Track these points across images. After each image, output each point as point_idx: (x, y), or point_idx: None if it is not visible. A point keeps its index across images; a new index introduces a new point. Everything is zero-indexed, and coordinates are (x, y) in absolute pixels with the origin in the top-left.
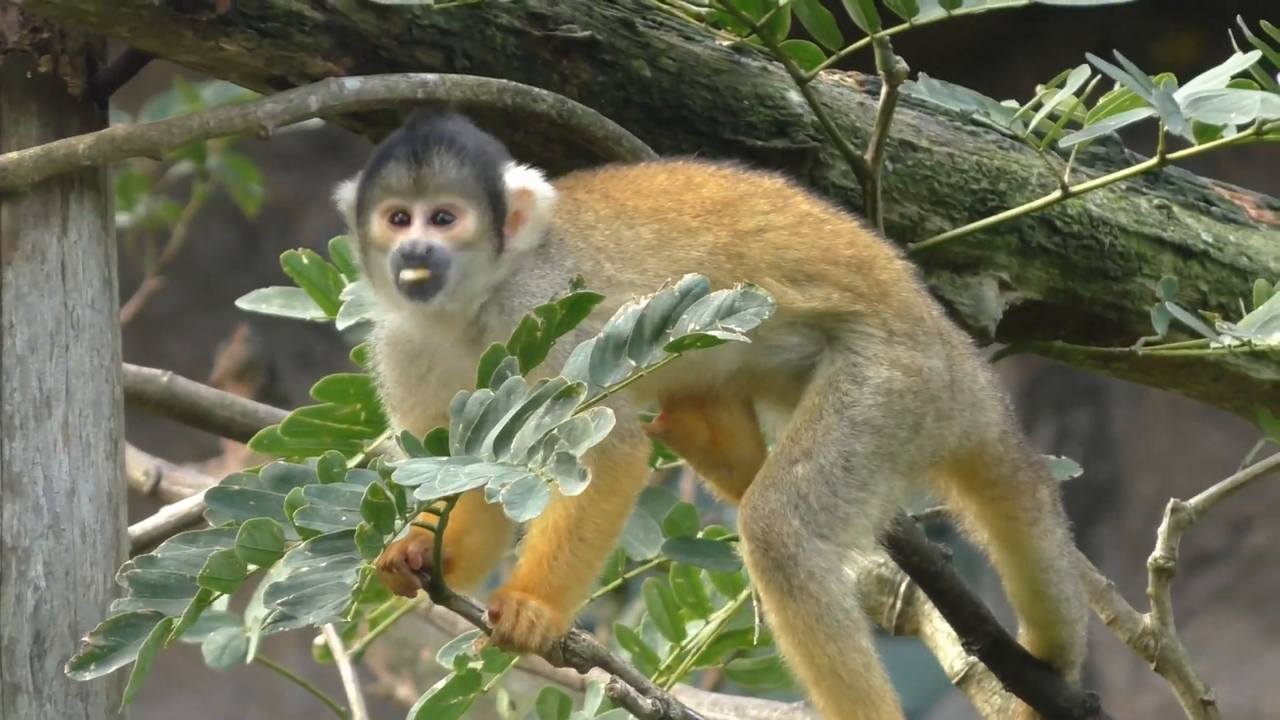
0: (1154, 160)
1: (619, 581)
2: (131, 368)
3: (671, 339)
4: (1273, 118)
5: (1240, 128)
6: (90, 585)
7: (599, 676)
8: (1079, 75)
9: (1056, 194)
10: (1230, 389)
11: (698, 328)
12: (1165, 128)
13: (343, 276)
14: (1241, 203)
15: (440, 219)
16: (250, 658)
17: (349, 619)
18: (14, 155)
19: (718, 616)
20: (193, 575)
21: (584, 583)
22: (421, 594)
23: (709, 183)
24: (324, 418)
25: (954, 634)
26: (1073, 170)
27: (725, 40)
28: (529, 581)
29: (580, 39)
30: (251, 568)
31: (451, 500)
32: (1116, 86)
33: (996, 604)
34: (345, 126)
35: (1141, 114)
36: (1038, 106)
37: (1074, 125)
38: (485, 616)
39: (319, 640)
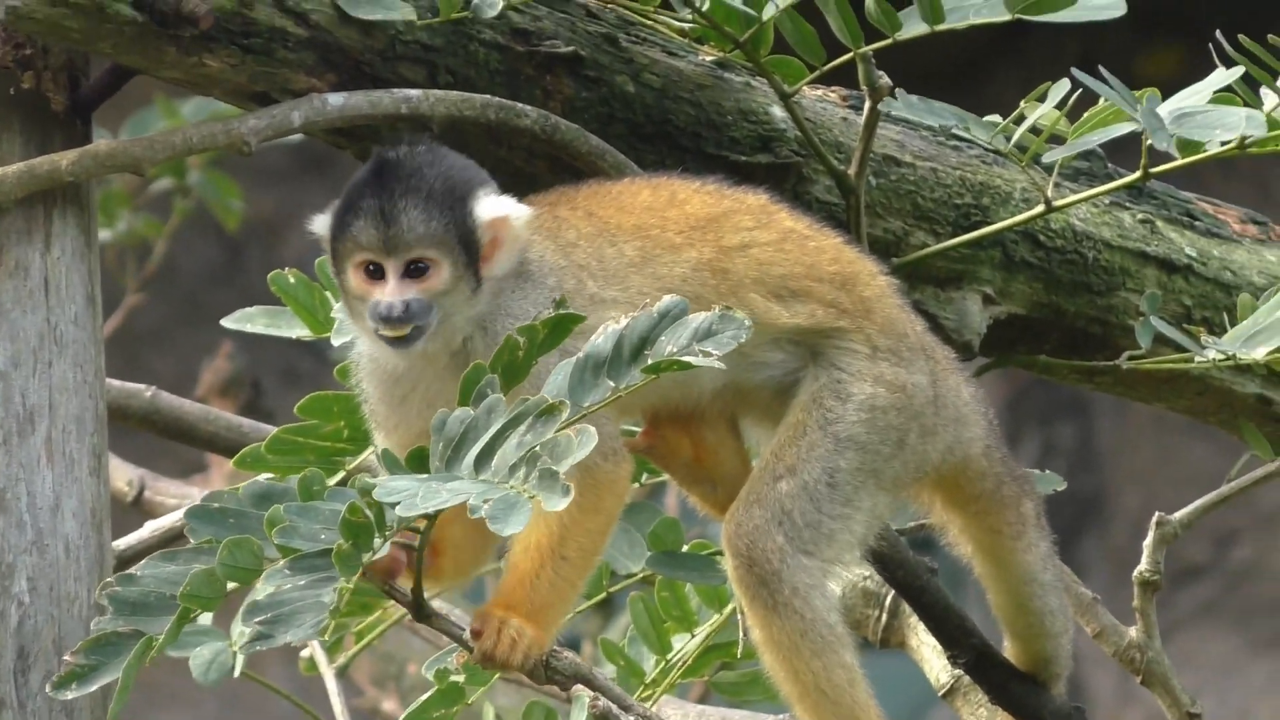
0: (1138, 175)
1: (604, 595)
2: (115, 382)
3: (649, 361)
4: (1257, 135)
5: (1224, 142)
6: (74, 601)
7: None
8: (1059, 89)
9: (1040, 209)
10: (1214, 403)
11: (675, 350)
12: (1150, 144)
13: (329, 295)
14: (1225, 217)
15: (414, 269)
16: (237, 673)
17: (326, 637)
18: None
19: (703, 630)
20: (173, 593)
21: (566, 601)
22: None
23: (693, 199)
24: (308, 435)
25: (939, 647)
26: (1056, 185)
27: (708, 56)
28: (511, 599)
29: (564, 54)
30: (232, 586)
31: (432, 518)
32: (1101, 101)
33: (982, 617)
34: (328, 142)
35: (1125, 129)
36: (1020, 120)
37: (1057, 140)
38: (467, 634)
39: (305, 653)
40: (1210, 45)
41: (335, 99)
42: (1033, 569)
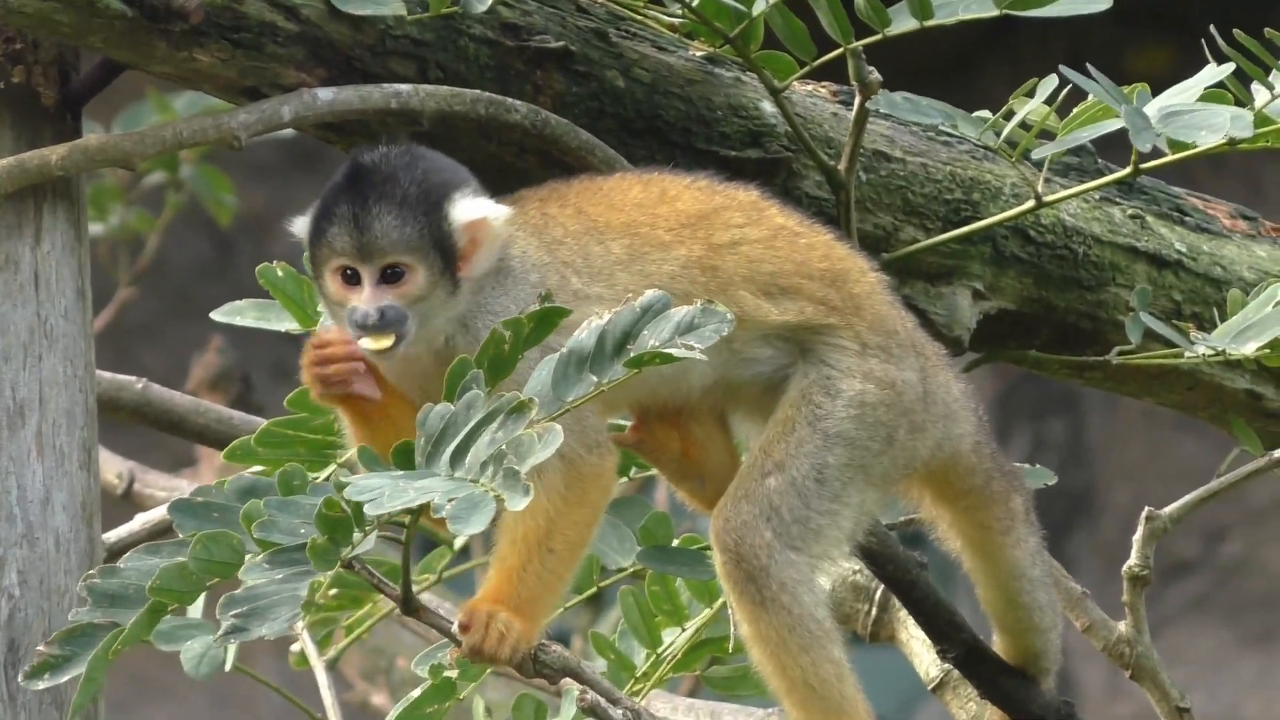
0: (1128, 170)
1: (594, 590)
2: (106, 375)
3: (632, 355)
4: (1243, 136)
5: None
6: (65, 594)
7: (575, 684)
8: (1048, 84)
9: (1030, 204)
10: (1204, 398)
11: (657, 344)
12: (1135, 144)
13: (318, 289)
14: (1215, 212)
15: (390, 275)
16: (229, 666)
17: (306, 629)
18: None
19: (693, 624)
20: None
21: (554, 594)
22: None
23: (684, 196)
24: (298, 428)
25: (929, 641)
26: (1046, 180)
27: (698, 51)
28: (499, 593)
29: (554, 49)
30: (211, 580)
31: (415, 513)
32: (1090, 97)
33: (971, 612)
34: (318, 137)
35: (1115, 125)
36: (1009, 116)
37: (1047, 135)
38: (455, 629)
39: (295, 647)
40: (1202, 41)
41: (325, 94)
42: (1022, 564)
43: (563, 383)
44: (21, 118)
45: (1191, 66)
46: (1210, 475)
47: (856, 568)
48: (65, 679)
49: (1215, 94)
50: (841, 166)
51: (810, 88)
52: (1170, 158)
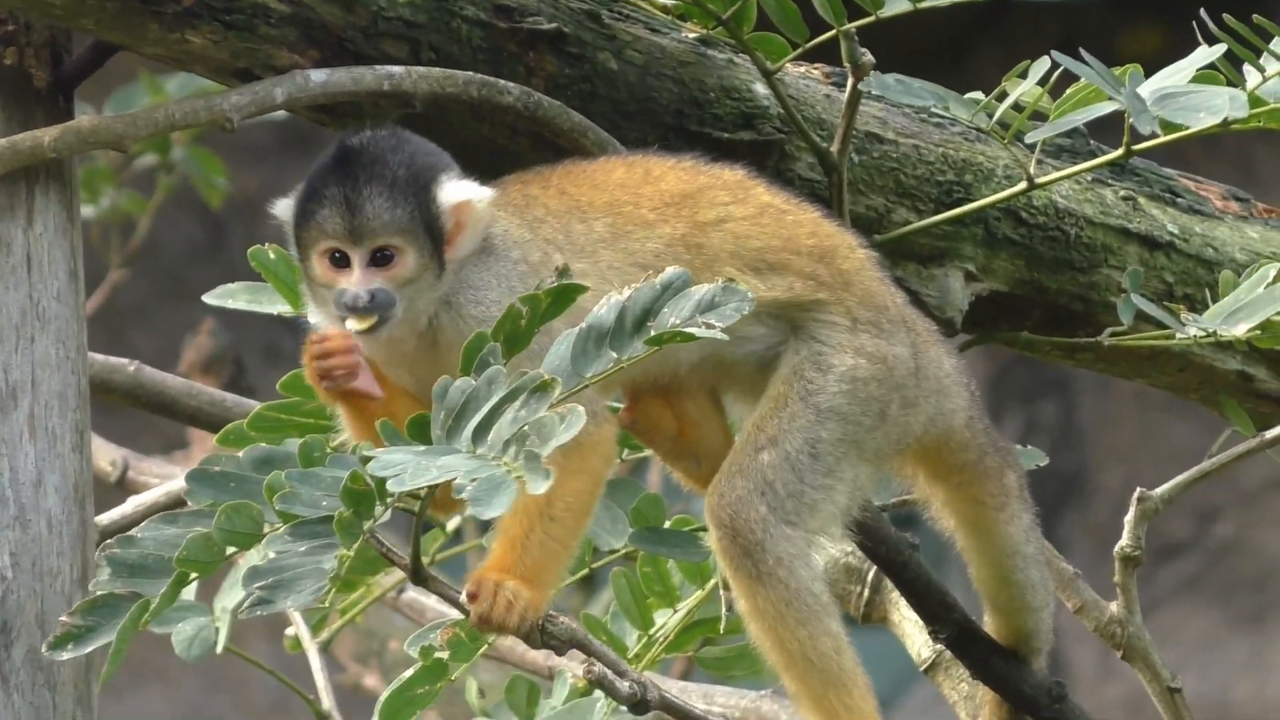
0: (1120, 152)
1: (586, 571)
2: (98, 357)
3: (652, 333)
4: (1240, 117)
5: None
6: (57, 575)
7: (567, 665)
8: (1040, 66)
9: (1022, 185)
10: (1196, 379)
11: (677, 322)
12: (1132, 124)
13: None
14: (1207, 194)
15: (379, 258)
16: (220, 648)
17: (326, 604)
18: None
19: (685, 605)
20: (171, 556)
21: (559, 562)
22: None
23: (668, 175)
24: (290, 412)
25: (921, 622)
26: (1038, 162)
27: (691, 33)
28: (504, 563)
29: (546, 31)
30: (230, 550)
31: (432, 488)
32: (1083, 79)
33: (963, 593)
34: (311, 119)
35: (1107, 108)
36: (1001, 97)
37: (1039, 117)
38: (463, 598)
39: (289, 630)
40: (1194, 23)
41: (318, 75)
42: (1016, 540)
43: (582, 358)
44: (14, 99)
45: (1183, 49)
46: (1202, 457)
47: (849, 549)
48: (89, 649)
49: (1207, 75)
50: (834, 148)
51: (803, 70)
52: (1163, 139)
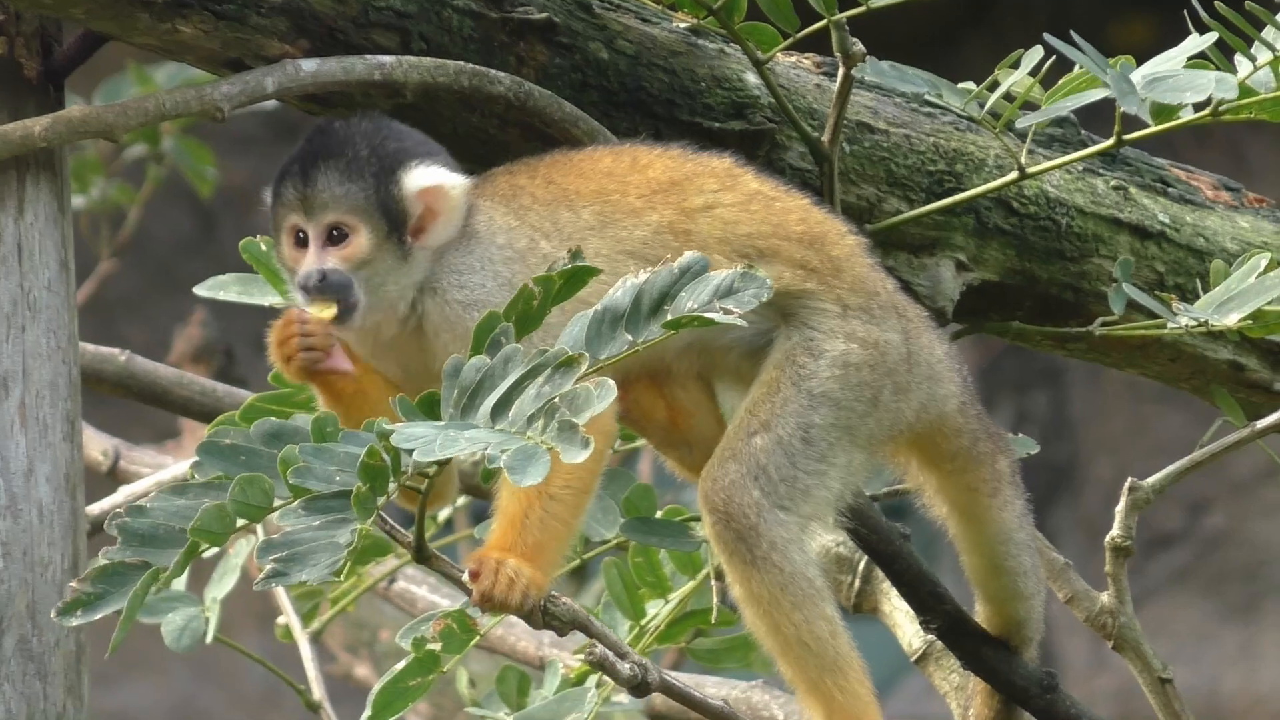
0: (1111, 141)
1: (578, 562)
2: (89, 347)
3: (669, 317)
4: (1227, 97)
5: (1196, 108)
6: (48, 565)
7: (558, 655)
8: (1032, 56)
9: (1013, 175)
10: (1186, 369)
11: (695, 306)
12: (1121, 107)
13: None
14: (1198, 184)
15: (334, 236)
16: (209, 638)
17: (341, 578)
18: None
19: (677, 596)
20: (182, 526)
21: (560, 540)
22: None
23: (655, 163)
24: (281, 403)
25: (912, 613)
26: (1029, 151)
27: (682, 22)
28: (504, 541)
29: (537, 21)
30: (240, 523)
31: (443, 464)
32: (1076, 68)
33: (954, 584)
34: (302, 109)
35: (1098, 95)
36: (993, 87)
37: (1031, 106)
38: (465, 577)
39: (280, 620)
40: (1185, 11)
41: (309, 65)
42: (1008, 526)
43: (597, 340)
44: (4, 89)
45: (1173, 41)
46: (1193, 448)
47: (840, 539)
48: (99, 615)
49: (1198, 64)
50: (825, 138)
51: (794, 59)
52: (1154, 129)
